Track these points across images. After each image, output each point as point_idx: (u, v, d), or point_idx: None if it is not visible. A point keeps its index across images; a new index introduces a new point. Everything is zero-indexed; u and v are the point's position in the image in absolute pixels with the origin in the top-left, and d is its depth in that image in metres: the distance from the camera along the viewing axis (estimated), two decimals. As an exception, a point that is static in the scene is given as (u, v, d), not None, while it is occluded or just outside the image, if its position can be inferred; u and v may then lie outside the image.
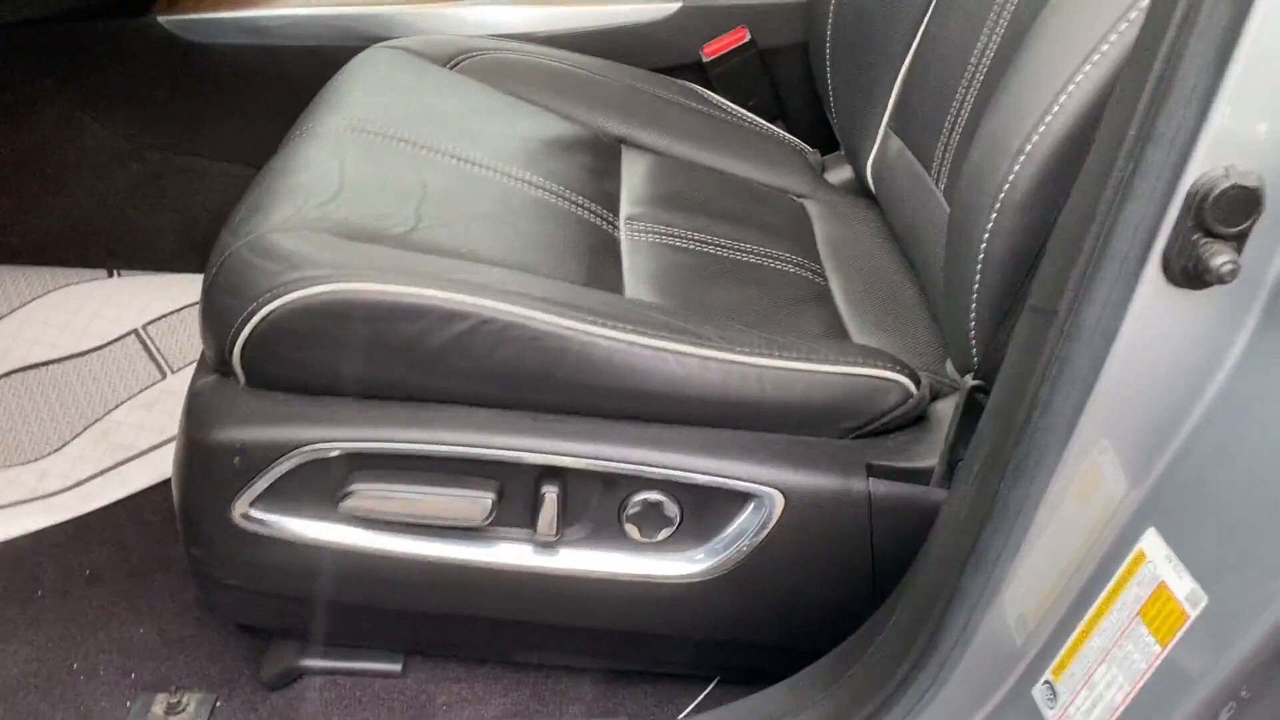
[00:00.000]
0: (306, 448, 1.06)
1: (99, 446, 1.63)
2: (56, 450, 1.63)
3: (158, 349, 1.80)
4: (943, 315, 1.20)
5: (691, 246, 1.33)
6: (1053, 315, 0.79)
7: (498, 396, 1.08)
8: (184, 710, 1.24)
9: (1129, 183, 0.74)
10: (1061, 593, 0.84)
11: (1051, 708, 0.83)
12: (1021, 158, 0.98)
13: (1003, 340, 0.98)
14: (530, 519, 1.10)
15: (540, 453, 1.07)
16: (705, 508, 1.10)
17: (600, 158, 1.45)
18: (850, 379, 1.09)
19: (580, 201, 1.32)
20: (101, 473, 1.59)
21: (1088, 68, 0.95)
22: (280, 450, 1.06)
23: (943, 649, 0.88)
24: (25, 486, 1.57)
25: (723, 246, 1.35)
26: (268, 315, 1.03)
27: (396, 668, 1.30)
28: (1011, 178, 0.99)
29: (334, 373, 1.07)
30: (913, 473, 1.07)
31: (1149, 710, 0.76)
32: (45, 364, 1.76)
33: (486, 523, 1.09)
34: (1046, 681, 0.84)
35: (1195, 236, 0.73)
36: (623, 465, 1.07)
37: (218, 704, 1.26)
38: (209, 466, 1.09)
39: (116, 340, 1.81)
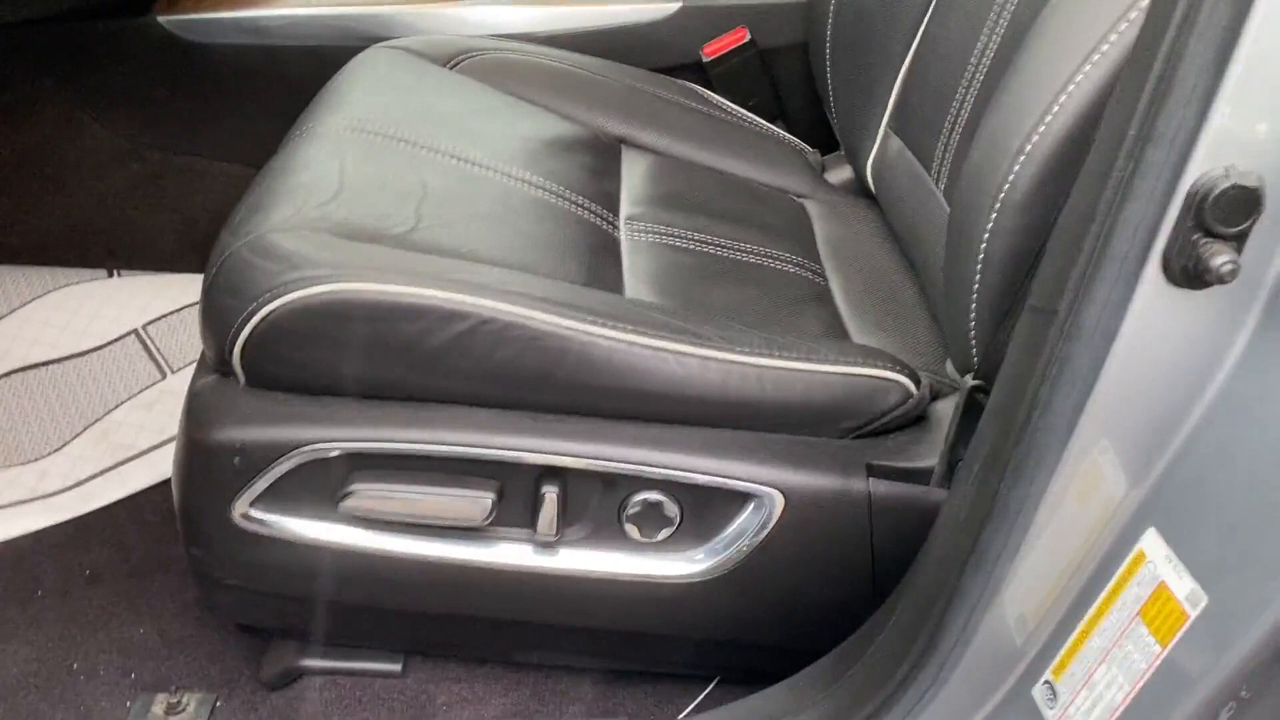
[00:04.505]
0: (306, 448, 1.06)
1: (99, 446, 1.63)
2: (56, 450, 1.63)
3: (158, 349, 1.80)
4: (943, 315, 1.20)
5: (691, 246, 1.33)
6: (1053, 315, 0.79)
7: (498, 396, 1.08)
8: (184, 710, 1.24)
9: (1129, 183, 0.74)
10: (1061, 593, 0.84)
11: (1051, 708, 0.83)
12: (1021, 158, 0.98)
13: (1003, 340, 0.98)
14: (530, 519, 1.10)
15: (540, 453, 1.07)
16: (705, 508, 1.10)
17: (600, 158, 1.45)
18: (850, 379, 1.09)
19: (580, 201, 1.32)
20: (101, 473, 1.59)
21: (1088, 68, 0.95)
22: (280, 450, 1.06)
23: (943, 649, 0.88)
24: (25, 486, 1.57)
25: (723, 246, 1.35)
26: (268, 315, 1.03)
27: (396, 668, 1.30)
28: (1011, 178, 0.99)
29: (334, 373, 1.07)
30: (913, 473, 1.07)
31: (1149, 710, 0.76)
32: (45, 364, 1.76)
33: (486, 523, 1.09)
34: (1046, 681, 0.84)
35: (1195, 236, 0.73)
36: (623, 465, 1.07)
37: (218, 704, 1.26)
38: (209, 466, 1.09)
39: (116, 340, 1.81)
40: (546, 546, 1.12)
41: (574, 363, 1.05)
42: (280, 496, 1.09)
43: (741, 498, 1.08)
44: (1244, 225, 0.72)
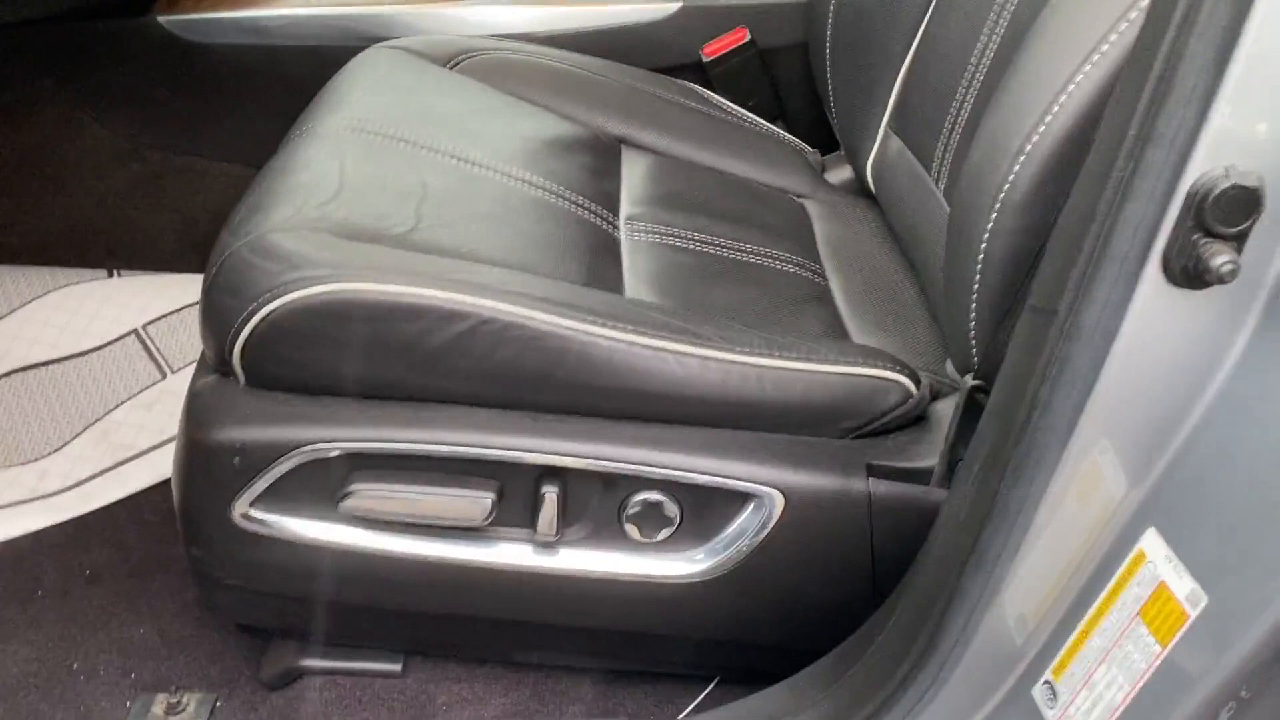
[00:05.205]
0: (306, 448, 1.06)
1: (99, 446, 1.63)
2: (56, 450, 1.63)
3: (158, 349, 1.80)
4: (943, 315, 1.20)
5: (691, 246, 1.33)
6: (1053, 315, 0.79)
7: (498, 396, 1.08)
8: (184, 710, 1.24)
9: (1129, 183, 0.74)
10: (1061, 593, 0.84)
11: (1051, 708, 0.83)
12: (1021, 158, 0.98)
13: (1003, 340, 0.98)
14: (530, 519, 1.10)
15: (540, 453, 1.07)
16: (705, 508, 1.10)
17: (600, 158, 1.45)
18: (850, 379, 1.09)
19: (580, 201, 1.32)
20: (101, 473, 1.59)
21: (1088, 68, 0.95)
22: (280, 450, 1.06)
23: (943, 649, 0.88)
24: (25, 486, 1.57)
25: (723, 246, 1.35)
26: (268, 315, 1.03)
27: (396, 668, 1.30)
28: (1011, 178, 0.99)
29: (334, 373, 1.07)
30: (913, 473, 1.07)
31: (1149, 710, 0.76)
32: (45, 364, 1.76)
33: (486, 523, 1.09)
34: (1046, 681, 0.84)
35: (1195, 236, 0.73)
36: (623, 465, 1.07)
37: (218, 704, 1.26)
38: (209, 466, 1.09)
39: (116, 340, 1.81)
40: (546, 546, 1.12)
41: (574, 363, 1.05)
42: (280, 496, 1.09)
43: (741, 498, 1.08)
44: (1244, 225, 0.72)
